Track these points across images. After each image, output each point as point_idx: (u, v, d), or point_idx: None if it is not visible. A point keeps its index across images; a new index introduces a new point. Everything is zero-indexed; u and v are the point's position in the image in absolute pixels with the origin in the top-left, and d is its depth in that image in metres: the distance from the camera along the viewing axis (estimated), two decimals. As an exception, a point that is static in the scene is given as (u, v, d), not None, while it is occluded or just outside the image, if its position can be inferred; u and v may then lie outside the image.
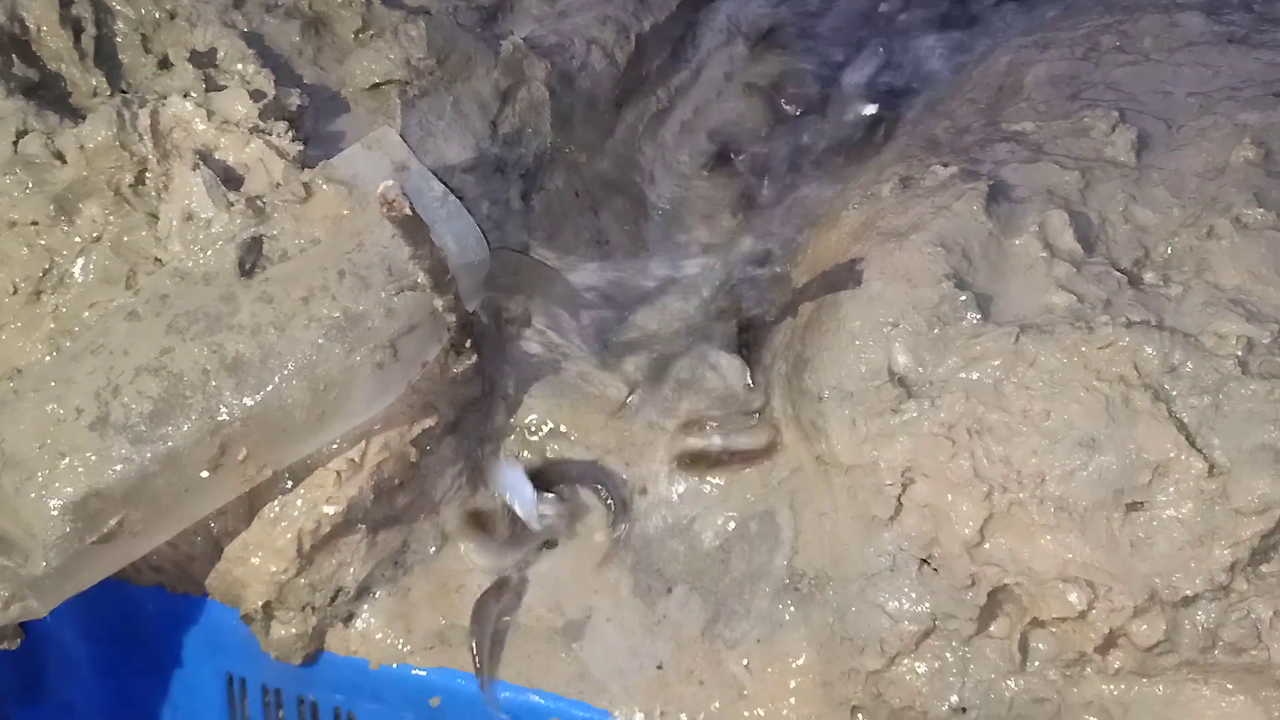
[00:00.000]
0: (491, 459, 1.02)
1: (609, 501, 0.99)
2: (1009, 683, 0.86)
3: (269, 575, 0.92)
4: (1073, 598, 0.82)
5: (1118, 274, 0.91)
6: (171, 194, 0.89)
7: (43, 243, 0.89)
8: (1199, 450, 0.80)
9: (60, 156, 0.91)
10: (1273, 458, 0.78)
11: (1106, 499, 0.81)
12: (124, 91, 0.98)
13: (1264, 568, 0.79)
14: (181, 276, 0.85)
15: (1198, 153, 1.01)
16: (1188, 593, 0.79)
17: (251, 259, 0.86)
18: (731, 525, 0.98)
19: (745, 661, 0.93)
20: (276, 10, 1.09)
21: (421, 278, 0.85)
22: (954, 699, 0.87)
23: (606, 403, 1.05)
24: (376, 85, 1.09)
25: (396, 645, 0.97)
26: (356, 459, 0.91)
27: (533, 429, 1.04)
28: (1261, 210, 0.91)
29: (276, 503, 0.91)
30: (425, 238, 0.82)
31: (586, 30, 1.33)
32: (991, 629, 0.87)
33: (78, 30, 0.98)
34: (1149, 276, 0.91)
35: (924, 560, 0.87)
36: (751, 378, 1.06)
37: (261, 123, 0.93)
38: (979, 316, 0.89)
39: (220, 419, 0.81)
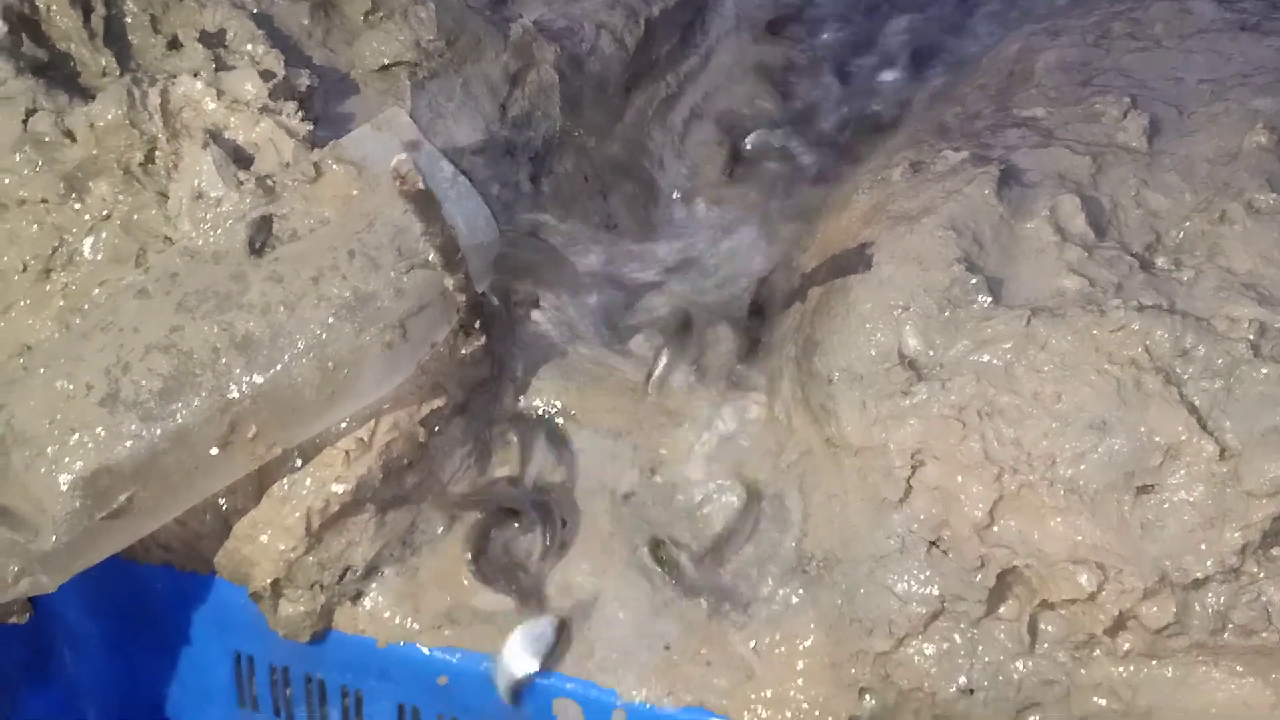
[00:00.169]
0: None
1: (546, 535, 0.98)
2: (1018, 664, 0.86)
3: (277, 553, 0.92)
4: (1083, 579, 0.82)
5: (1129, 258, 0.90)
6: (181, 173, 0.89)
7: (52, 221, 0.89)
8: (1210, 433, 0.79)
9: (70, 135, 0.90)
10: (1284, 441, 0.78)
11: (1117, 481, 0.81)
12: (133, 71, 0.98)
13: (1275, 550, 0.79)
14: (191, 255, 0.85)
15: (1209, 138, 1.00)
16: (1198, 575, 0.79)
17: (261, 238, 0.86)
18: (741, 507, 0.97)
19: (753, 643, 0.93)
20: (285, -9, 1.08)
21: (432, 255, 0.85)
22: (962, 680, 0.87)
23: (615, 384, 1.05)
24: (386, 67, 1.08)
25: (404, 624, 0.97)
26: (365, 438, 0.91)
27: (541, 412, 1.04)
28: (1274, 195, 0.91)
29: (285, 481, 0.91)
30: (437, 214, 0.82)
31: (596, 14, 1.32)
32: (1001, 611, 0.87)
33: (87, 10, 0.97)
34: (1161, 261, 0.91)
35: (933, 542, 0.87)
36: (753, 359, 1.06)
37: (271, 102, 0.93)
38: (990, 300, 0.89)
39: (230, 397, 0.81)
